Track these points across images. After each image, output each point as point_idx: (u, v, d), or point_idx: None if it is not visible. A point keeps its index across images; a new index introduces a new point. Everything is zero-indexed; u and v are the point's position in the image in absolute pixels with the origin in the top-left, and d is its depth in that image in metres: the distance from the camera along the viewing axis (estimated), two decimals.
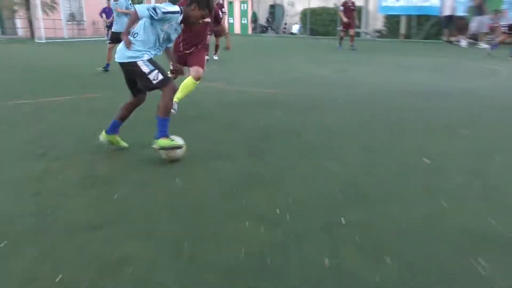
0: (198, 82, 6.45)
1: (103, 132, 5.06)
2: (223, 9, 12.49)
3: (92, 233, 3.25)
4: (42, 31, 27.11)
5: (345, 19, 17.63)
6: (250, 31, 33.35)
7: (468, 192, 3.90)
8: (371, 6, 25.32)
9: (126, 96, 5.02)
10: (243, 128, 6.15)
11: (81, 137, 5.75)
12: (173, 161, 4.65)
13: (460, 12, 19.39)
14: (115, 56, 4.74)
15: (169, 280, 2.64)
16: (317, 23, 28.40)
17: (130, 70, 4.67)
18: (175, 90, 4.75)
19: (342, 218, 3.38)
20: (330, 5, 27.97)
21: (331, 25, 27.37)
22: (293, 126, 6.20)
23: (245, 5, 33.59)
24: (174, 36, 4.86)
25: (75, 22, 32.49)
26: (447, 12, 19.70)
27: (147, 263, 2.85)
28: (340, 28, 18.92)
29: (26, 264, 2.85)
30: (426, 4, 21.80)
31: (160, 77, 4.57)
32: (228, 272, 2.73)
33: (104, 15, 24.49)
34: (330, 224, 3.31)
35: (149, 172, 4.47)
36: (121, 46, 4.67)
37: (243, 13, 33.95)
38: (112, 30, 12.11)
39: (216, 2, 11.84)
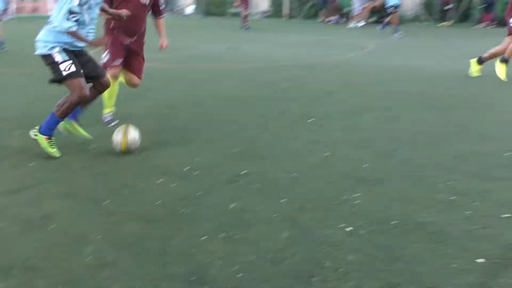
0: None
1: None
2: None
3: (13, 197, 3.18)
4: None
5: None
6: None
7: (346, 144, 4.27)
8: None
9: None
10: (151, 99, 6.13)
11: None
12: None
13: None
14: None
15: (92, 231, 2.69)
16: (210, 3, 28.25)
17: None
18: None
19: (243, 172, 3.59)
20: None
21: (224, 6, 27.37)
22: (194, 97, 6.29)
23: None
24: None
25: None
26: None
27: (69, 219, 2.87)
28: (238, 7, 18.67)
29: None
30: None
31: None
32: (147, 222, 2.83)
33: None
34: (232, 177, 3.50)
35: (64, 141, 4.37)
36: None
37: None
38: None
39: None
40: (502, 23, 9.47)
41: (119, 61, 4.68)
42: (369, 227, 2.68)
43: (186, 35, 16.00)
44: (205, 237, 2.60)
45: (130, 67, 4.86)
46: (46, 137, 3.87)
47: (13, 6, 9.49)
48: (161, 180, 3.46)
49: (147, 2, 4.83)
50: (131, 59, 4.83)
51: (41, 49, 3.87)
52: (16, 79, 7.60)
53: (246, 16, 17.68)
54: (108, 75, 4.38)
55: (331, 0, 20.29)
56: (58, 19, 3.73)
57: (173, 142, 4.36)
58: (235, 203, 3.05)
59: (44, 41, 3.85)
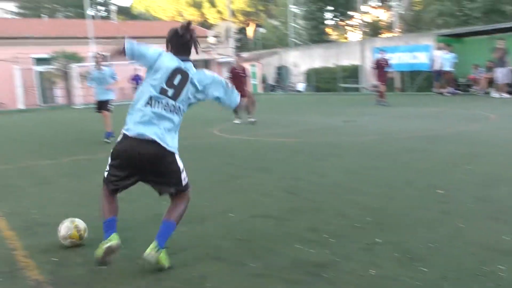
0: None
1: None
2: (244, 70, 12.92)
3: (170, 257, 3.57)
4: (78, 98, 28.04)
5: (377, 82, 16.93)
6: (260, 90, 34.24)
7: (480, 215, 4.19)
8: (366, 64, 26.14)
9: None
10: (276, 172, 6.50)
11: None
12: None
13: (447, 67, 20.03)
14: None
15: None
16: (320, 80, 29.28)
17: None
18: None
19: (378, 240, 3.69)
20: (330, 64, 28.90)
21: (333, 82, 28.21)
22: (318, 169, 6.55)
23: (255, 67, 34.68)
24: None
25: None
26: (436, 67, 20.38)
27: (222, 280, 3.17)
28: (375, 83, 17.78)
29: None
30: (416, 61, 22.63)
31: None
32: (292, 283, 3.04)
33: (133, 82, 25.42)
34: (368, 245, 3.61)
35: (205, 208, 4.81)
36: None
37: (253, 75, 35.02)
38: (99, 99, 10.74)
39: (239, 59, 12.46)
40: None
41: None
42: None
43: (302, 110, 16.68)
44: None
45: None
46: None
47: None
48: (298, 246, 3.67)
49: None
50: None
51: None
52: None
53: (382, 92, 16.84)
54: None
55: (446, 72, 20.03)
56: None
57: (303, 211, 4.60)
58: (374, 271, 3.15)
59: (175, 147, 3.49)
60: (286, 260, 3.43)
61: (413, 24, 29.87)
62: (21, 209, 5.22)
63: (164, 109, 3.33)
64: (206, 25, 53.32)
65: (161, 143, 3.30)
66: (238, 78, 12.05)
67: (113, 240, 3.21)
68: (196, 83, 3.41)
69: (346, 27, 40.85)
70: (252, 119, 12.14)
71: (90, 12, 34.33)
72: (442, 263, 3.21)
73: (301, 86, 31.38)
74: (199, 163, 7.41)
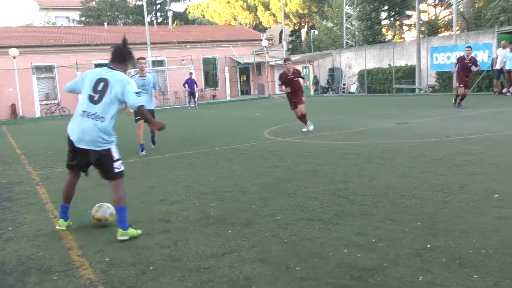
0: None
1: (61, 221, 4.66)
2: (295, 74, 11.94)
3: (218, 260, 3.63)
4: None
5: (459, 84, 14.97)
6: (312, 92, 34.04)
7: None
8: (423, 64, 25.38)
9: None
10: (325, 174, 6.45)
11: (188, 186, 6.27)
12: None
13: (509, 66, 19.16)
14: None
15: None
16: (373, 82, 28.71)
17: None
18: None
19: (428, 246, 3.58)
20: (385, 65, 28.29)
21: (386, 83, 27.60)
22: (368, 171, 6.44)
23: (307, 69, 34.47)
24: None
25: (160, 93, 34.43)
26: (497, 66, 19.56)
27: (267, 283, 3.18)
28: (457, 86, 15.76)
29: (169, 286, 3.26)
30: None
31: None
32: None
33: (186, 85, 26.00)
34: (417, 250, 3.52)
35: (252, 211, 4.85)
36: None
37: (306, 77, 34.90)
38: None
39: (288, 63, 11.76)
40: None
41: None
42: None
43: (354, 112, 16.44)
44: None
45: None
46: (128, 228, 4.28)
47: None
48: (346, 250, 3.63)
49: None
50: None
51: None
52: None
53: (464, 95, 15.22)
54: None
55: (508, 71, 19.15)
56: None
57: (353, 214, 4.54)
58: (422, 276, 3.06)
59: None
60: (332, 264, 3.40)
61: (474, 21, 28.70)
62: (76, 209, 5.45)
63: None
64: (260, 28, 53.77)
65: None
66: (290, 84, 11.57)
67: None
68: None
69: (402, 27, 39.88)
70: (305, 128, 11.71)
71: (148, 18, 35.38)
72: (494, 270, 3.08)
73: (353, 88, 30.95)
74: (248, 166, 7.47)
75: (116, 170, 4.35)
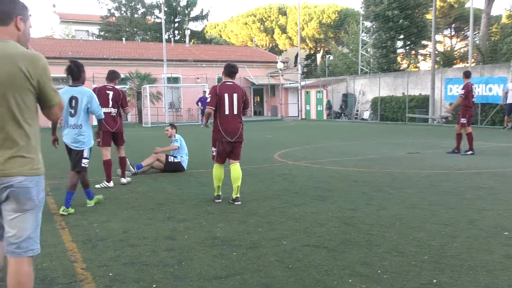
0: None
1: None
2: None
3: (221, 282, 3.61)
4: (148, 117, 29.25)
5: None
6: (325, 116, 34.09)
7: None
8: (437, 95, 25.36)
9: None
10: (333, 201, 6.42)
11: (196, 204, 6.28)
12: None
13: None
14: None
15: None
16: (386, 109, 28.71)
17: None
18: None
19: (434, 281, 3.54)
20: (398, 93, 28.32)
21: (399, 112, 27.57)
22: (377, 201, 6.40)
23: (321, 94, 34.58)
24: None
25: (174, 109, 34.69)
26: (509, 100, 19.36)
27: None
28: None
29: None
30: (491, 94, 21.68)
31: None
32: None
33: (200, 104, 26.22)
34: (423, 285, 3.47)
35: (258, 234, 4.83)
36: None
37: (319, 101, 34.90)
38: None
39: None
40: None
41: None
42: None
43: (366, 139, 16.42)
44: None
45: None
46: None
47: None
48: (351, 280, 3.60)
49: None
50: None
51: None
52: None
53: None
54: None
55: None
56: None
57: (359, 243, 4.50)
58: None
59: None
60: None
61: (490, 55, 28.68)
62: (84, 221, 5.48)
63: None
64: (275, 50, 54.24)
65: None
66: None
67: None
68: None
69: (417, 56, 39.99)
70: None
71: (166, 35, 35.88)
72: None
73: (366, 115, 30.95)
74: (257, 188, 7.46)
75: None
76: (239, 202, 6.27)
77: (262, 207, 6.11)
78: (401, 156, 11.31)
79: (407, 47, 37.28)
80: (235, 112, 6.41)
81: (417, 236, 4.70)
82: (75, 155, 6.05)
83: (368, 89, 31.59)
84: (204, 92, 26.92)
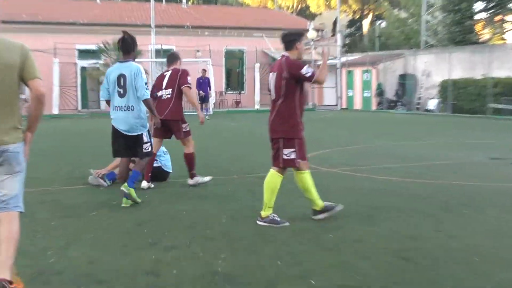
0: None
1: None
2: None
3: None
4: None
5: None
6: (374, 106, 33.99)
7: None
8: None
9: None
10: (385, 223, 6.32)
11: (190, 226, 6.23)
12: None
13: None
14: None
15: None
16: (460, 97, 28.44)
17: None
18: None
19: None
20: (477, 76, 27.97)
21: (479, 101, 27.26)
22: (446, 225, 6.30)
23: (369, 74, 34.44)
24: None
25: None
26: None
27: None
28: None
29: None
30: None
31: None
32: None
33: (201, 91, 25.88)
34: None
35: (276, 269, 4.76)
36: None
37: (366, 85, 34.79)
38: None
39: None
40: None
41: None
42: None
43: (431, 137, 16.31)
44: None
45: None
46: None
47: None
48: None
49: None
50: None
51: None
52: None
53: None
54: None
55: None
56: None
57: (416, 284, 4.43)
58: None
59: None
60: None
61: None
62: (33, 247, 5.45)
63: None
64: (306, 14, 54.24)
65: None
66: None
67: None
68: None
69: (503, 24, 39.59)
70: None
71: None
72: None
73: (432, 104, 30.74)
74: (276, 204, 7.38)
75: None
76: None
77: (282, 230, 6.06)
78: (481, 163, 11.23)
79: (490, 11, 36.93)
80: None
81: (504, 277, 4.62)
82: (132, 143, 7.30)
83: (434, 68, 31.38)
84: (204, 71, 26.51)
